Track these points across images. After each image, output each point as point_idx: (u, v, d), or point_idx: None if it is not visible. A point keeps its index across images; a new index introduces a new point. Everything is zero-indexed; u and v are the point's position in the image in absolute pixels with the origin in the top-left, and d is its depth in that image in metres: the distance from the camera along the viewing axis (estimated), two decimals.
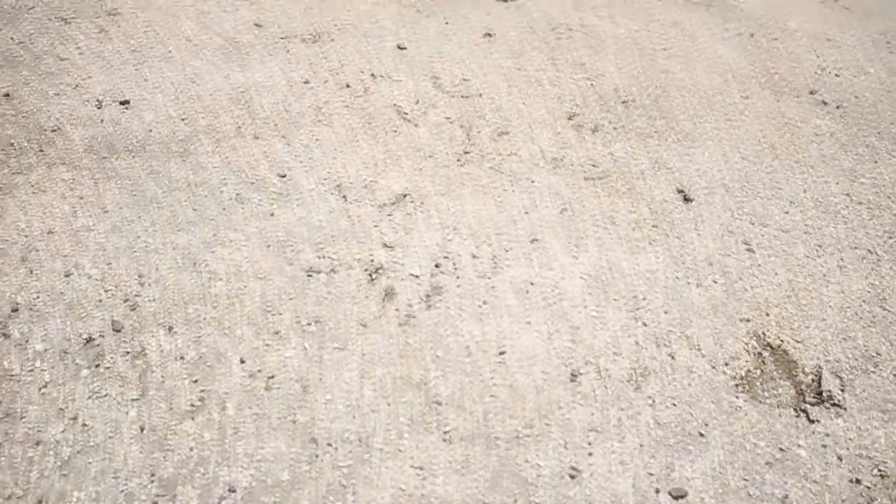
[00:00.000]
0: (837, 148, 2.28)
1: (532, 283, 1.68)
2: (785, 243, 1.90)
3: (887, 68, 2.82)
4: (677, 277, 1.76)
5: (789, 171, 2.14)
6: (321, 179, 1.83)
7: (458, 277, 1.67)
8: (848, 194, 2.10)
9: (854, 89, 2.63)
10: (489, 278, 1.68)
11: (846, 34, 3.06)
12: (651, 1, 3.00)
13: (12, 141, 1.90)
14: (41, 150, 1.88)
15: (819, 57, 2.82)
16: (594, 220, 1.86)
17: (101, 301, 1.55)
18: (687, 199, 1.97)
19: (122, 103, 2.04)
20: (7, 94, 2.05)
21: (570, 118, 2.15)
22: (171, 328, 1.52)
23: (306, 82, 2.15)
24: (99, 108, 2.01)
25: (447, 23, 2.57)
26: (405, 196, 1.84)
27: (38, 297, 1.55)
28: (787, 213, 1.99)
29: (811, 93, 2.56)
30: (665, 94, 2.35)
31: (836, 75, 2.72)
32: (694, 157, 2.12)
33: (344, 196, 1.82)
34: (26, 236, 1.67)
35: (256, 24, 2.43)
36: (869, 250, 1.92)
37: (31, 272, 1.60)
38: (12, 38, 2.27)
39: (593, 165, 2.00)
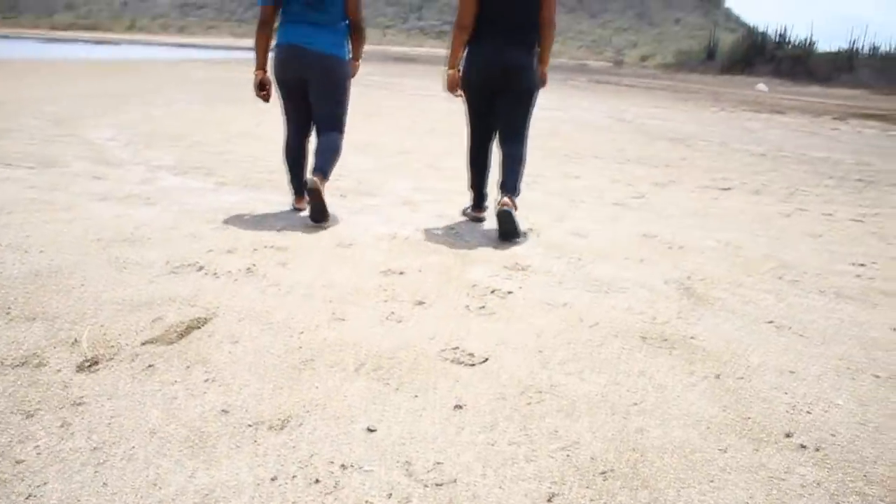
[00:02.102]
0: (828, 501, 2.21)
1: None
2: None
3: (855, 398, 2.85)
4: None
5: None
6: None
7: None
8: None
9: (829, 426, 2.62)
10: None
11: (808, 364, 3.13)
12: (615, 350, 3.07)
13: None
14: None
15: (787, 394, 2.85)
16: None
17: None
18: None
19: None
20: None
21: (549, 500, 2.06)
22: None
23: (273, 479, 2.06)
24: None
25: (416, 396, 2.57)
26: None
27: None
28: None
29: (787, 436, 2.53)
30: (643, 458, 2.30)
31: (808, 412, 2.72)
32: None
33: None
34: None
35: (224, 411, 2.39)
36: None
37: None
38: None
39: None
